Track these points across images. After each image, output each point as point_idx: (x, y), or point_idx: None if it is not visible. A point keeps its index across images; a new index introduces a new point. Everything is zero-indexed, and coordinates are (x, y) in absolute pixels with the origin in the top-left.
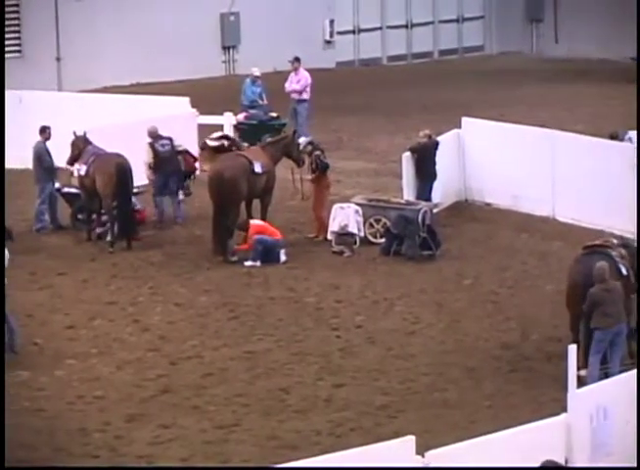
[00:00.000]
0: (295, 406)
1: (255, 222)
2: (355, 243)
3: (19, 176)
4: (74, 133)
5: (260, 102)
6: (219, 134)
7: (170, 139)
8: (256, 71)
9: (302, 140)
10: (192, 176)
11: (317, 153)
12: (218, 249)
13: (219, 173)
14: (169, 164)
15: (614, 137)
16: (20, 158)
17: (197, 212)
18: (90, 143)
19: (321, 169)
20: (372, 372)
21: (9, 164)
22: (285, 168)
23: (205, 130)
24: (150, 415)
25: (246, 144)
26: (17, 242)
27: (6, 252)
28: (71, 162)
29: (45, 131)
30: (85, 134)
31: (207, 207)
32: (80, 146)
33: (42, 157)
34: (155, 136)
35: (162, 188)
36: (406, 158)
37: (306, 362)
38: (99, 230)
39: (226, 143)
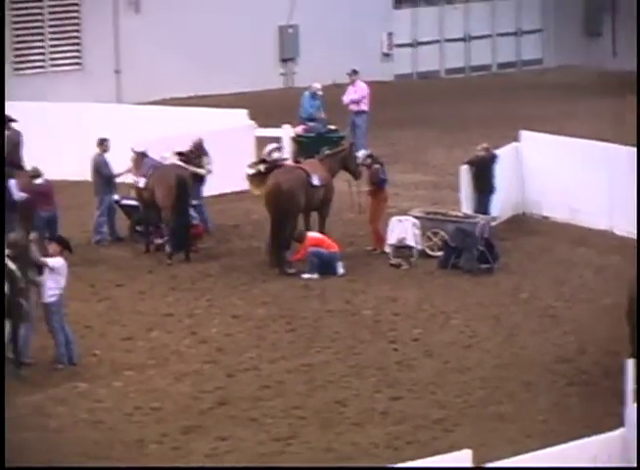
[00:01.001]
0: (352, 419)
1: (313, 235)
2: (413, 256)
3: (77, 188)
4: (132, 149)
5: (318, 115)
6: (257, 160)
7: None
8: (318, 87)
9: (361, 153)
10: None
11: (376, 166)
12: (275, 261)
13: (277, 186)
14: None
15: None
16: (79, 170)
17: (254, 225)
18: (147, 156)
19: (379, 183)
20: (429, 385)
21: (68, 176)
22: (343, 181)
23: (263, 143)
24: (207, 427)
25: (287, 158)
26: (76, 254)
27: (64, 261)
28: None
29: (103, 143)
30: (145, 151)
31: (264, 219)
32: (138, 160)
33: (101, 168)
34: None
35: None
36: (464, 171)
37: (363, 375)
38: (158, 241)
39: (263, 168)
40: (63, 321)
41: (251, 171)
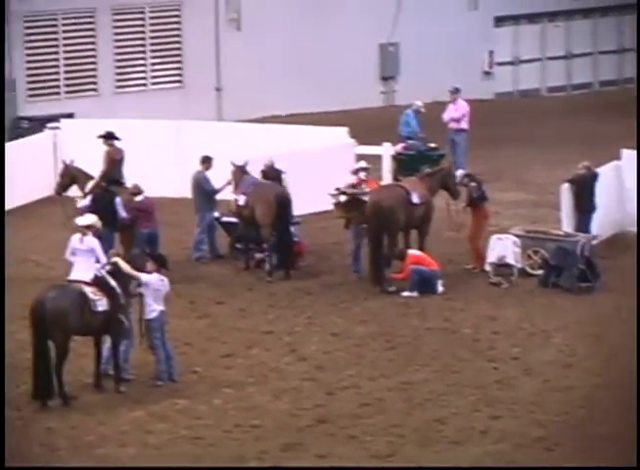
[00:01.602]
0: (450, 437)
1: (414, 252)
2: (513, 274)
3: (177, 205)
4: (233, 163)
5: (418, 133)
6: (338, 190)
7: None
8: (420, 104)
9: (459, 173)
10: None
11: (473, 184)
12: (376, 279)
13: (377, 203)
14: None
15: None
16: (179, 187)
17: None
18: (247, 173)
19: (476, 200)
20: (528, 404)
21: (168, 194)
22: (442, 200)
23: (361, 161)
24: (306, 445)
25: (366, 187)
26: (176, 271)
27: (160, 278)
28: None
29: (206, 162)
30: (245, 164)
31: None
32: (238, 175)
33: (202, 185)
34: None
35: None
36: (565, 189)
37: (462, 393)
38: (258, 256)
39: (343, 199)
40: (164, 338)
41: (333, 201)
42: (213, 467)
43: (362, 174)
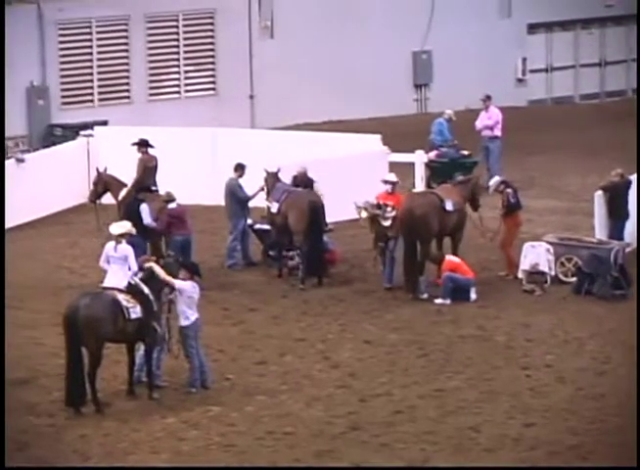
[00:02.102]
0: (484, 445)
1: (451, 259)
2: (546, 282)
3: (210, 213)
4: (265, 170)
5: (452, 141)
6: (362, 205)
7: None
8: (450, 113)
9: (494, 180)
10: None
11: (508, 190)
12: (410, 286)
13: (410, 211)
14: None
15: None
16: (212, 195)
17: None
18: (280, 180)
19: (510, 207)
20: (562, 412)
21: (202, 201)
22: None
23: (394, 168)
24: (339, 452)
25: (390, 210)
26: (209, 278)
27: (193, 285)
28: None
29: (240, 169)
30: (278, 171)
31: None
32: (270, 182)
33: (236, 191)
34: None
35: None
36: (598, 197)
37: (496, 401)
38: (291, 264)
39: (364, 215)
40: (198, 345)
41: (357, 216)
42: (214, 467)
43: (389, 187)
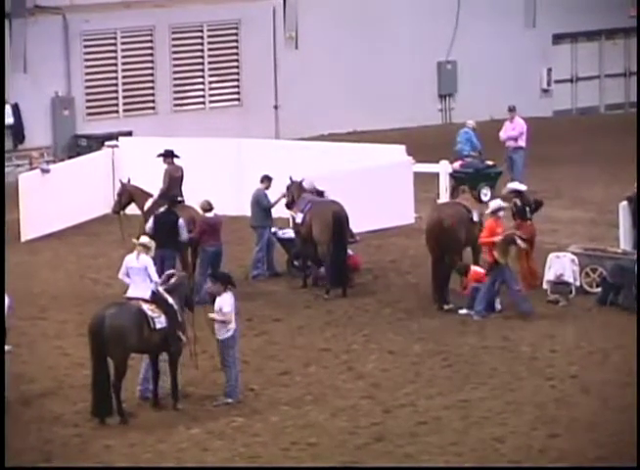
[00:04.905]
0: (508, 456)
1: (477, 269)
2: (571, 292)
3: (235, 223)
4: (290, 178)
5: (472, 152)
6: None
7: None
8: (472, 123)
9: (508, 186)
10: None
11: (516, 200)
12: (438, 297)
13: (439, 222)
14: None
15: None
16: (237, 205)
17: (411, 261)
18: (305, 190)
19: (520, 217)
20: (586, 423)
21: (227, 212)
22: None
23: (419, 178)
24: (363, 463)
25: None
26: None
27: (230, 297)
28: (288, 206)
29: (266, 181)
30: (302, 181)
31: (422, 255)
32: (295, 192)
33: (261, 200)
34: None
35: None
36: (623, 207)
37: (521, 412)
38: (315, 274)
39: None
40: (236, 357)
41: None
42: (214, 467)
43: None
